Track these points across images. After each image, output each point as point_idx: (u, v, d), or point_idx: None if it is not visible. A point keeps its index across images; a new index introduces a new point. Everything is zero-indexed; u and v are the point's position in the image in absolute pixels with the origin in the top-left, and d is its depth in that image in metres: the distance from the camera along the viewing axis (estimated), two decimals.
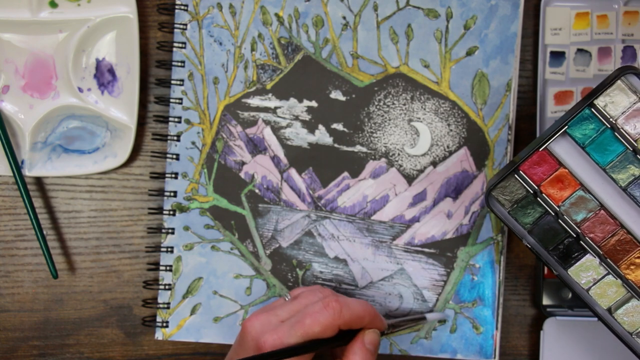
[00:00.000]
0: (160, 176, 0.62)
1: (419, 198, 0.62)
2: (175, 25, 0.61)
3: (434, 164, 0.62)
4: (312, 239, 0.62)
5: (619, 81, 0.52)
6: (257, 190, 0.62)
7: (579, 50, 0.62)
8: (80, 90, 0.61)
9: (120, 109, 0.61)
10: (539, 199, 0.54)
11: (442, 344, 0.62)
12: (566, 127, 0.53)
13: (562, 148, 0.54)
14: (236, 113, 0.62)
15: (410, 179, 0.62)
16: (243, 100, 0.62)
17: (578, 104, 0.53)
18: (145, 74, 0.62)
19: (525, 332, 0.64)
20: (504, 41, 0.61)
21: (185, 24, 0.61)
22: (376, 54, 0.61)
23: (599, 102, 0.52)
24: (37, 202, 0.63)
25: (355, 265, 0.62)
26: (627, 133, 0.52)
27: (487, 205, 0.55)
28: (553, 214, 0.54)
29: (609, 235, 0.54)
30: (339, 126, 0.62)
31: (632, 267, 0.54)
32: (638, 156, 0.52)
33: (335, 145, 0.62)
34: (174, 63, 0.61)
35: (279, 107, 0.62)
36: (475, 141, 0.61)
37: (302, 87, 0.62)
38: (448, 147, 0.62)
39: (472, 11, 0.61)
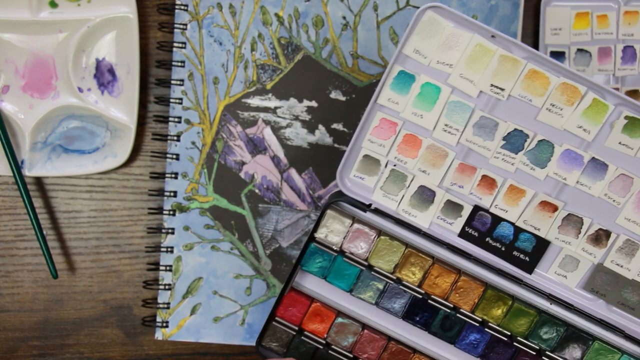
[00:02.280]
0: (160, 176, 0.62)
1: None
2: (175, 25, 0.61)
3: None
4: None
5: (329, 211, 0.54)
6: (257, 190, 0.62)
7: (579, 50, 0.62)
8: (80, 90, 0.61)
9: (120, 109, 0.61)
10: (304, 337, 0.56)
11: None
12: (300, 265, 0.55)
13: (308, 283, 0.57)
14: (236, 113, 0.62)
15: None
16: (243, 100, 0.62)
17: (305, 243, 0.55)
18: (145, 74, 0.62)
19: None
20: None
21: (185, 24, 0.61)
22: (376, 54, 0.61)
23: (320, 234, 0.55)
24: (37, 202, 0.63)
25: None
26: (355, 255, 0.55)
27: (261, 356, 0.57)
28: (324, 345, 0.56)
29: (382, 351, 0.56)
30: (339, 126, 0.62)
31: None
32: (373, 272, 0.55)
33: (335, 145, 0.62)
34: (174, 63, 0.61)
35: (279, 107, 0.62)
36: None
37: (302, 87, 0.62)
38: None
39: (472, 11, 0.61)
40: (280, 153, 0.62)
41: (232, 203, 0.62)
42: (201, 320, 0.62)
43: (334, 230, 0.54)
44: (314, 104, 0.62)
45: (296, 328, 0.57)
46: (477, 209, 0.54)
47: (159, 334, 0.62)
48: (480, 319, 0.55)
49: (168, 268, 0.62)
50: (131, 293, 0.63)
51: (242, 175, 0.62)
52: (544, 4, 0.61)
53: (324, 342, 0.57)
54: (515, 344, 0.55)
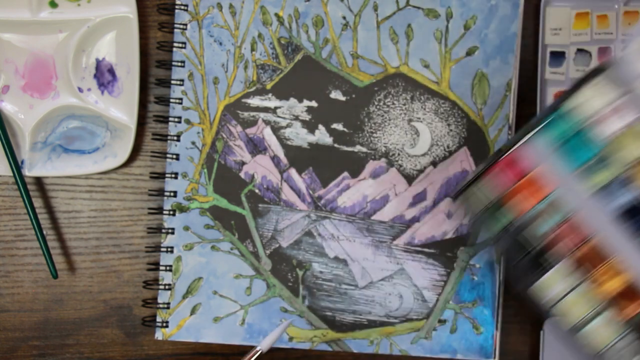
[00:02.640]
0: (160, 176, 0.62)
1: (419, 198, 0.62)
2: (175, 25, 0.61)
3: (434, 164, 0.62)
4: (312, 239, 0.62)
5: (594, 80, 0.49)
6: (257, 190, 0.62)
7: (579, 50, 0.62)
8: (80, 90, 0.61)
9: (120, 109, 0.61)
10: (507, 206, 0.52)
11: (442, 344, 0.62)
12: (538, 128, 0.50)
13: (533, 150, 0.51)
14: (236, 113, 0.62)
15: (410, 179, 0.62)
16: (243, 100, 0.62)
17: (551, 105, 0.50)
18: (145, 74, 0.62)
19: (525, 332, 0.64)
20: (504, 41, 0.61)
21: (185, 24, 0.61)
22: (376, 54, 0.61)
23: (574, 102, 0.49)
24: (37, 202, 0.63)
25: (355, 265, 0.62)
26: (602, 133, 0.50)
27: (456, 208, 0.53)
28: (522, 221, 0.52)
29: (580, 244, 0.51)
30: (339, 126, 0.62)
31: (602, 278, 0.51)
32: (612, 158, 0.49)
33: (335, 145, 0.62)
34: (174, 63, 0.61)
35: (279, 107, 0.62)
36: (475, 141, 0.61)
37: (302, 87, 0.62)
38: (448, 147, 0.62)
39: (472, 11, 0.61)
40: (280, 153, 0.62)
41: (232, 203, 0.62)
42: (201, 320, 0.62)
43: (590, 100, 0.49)
44: (314, 104, 0.62)
45: (502, 194, 0.51)
46: None
47: (159, 334, 0.62)
48: None
49: (168, 268, 0.62)
50: (131, 293, 0.63)
51: (242, 175, 0.62)
52: (544, 4, 0.61)
53: (524, 217, 0.51)
54: None
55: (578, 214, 0.51)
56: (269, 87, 0.62)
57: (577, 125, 0.49)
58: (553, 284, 0.52)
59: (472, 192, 0.52)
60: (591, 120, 0.49)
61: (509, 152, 0.50)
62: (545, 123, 0.49)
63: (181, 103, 0.62)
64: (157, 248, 0.62)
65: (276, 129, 0.62)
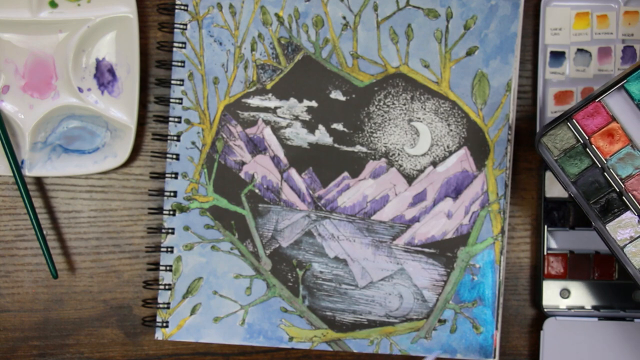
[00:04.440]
0: (160, 176, 0.62)
1: (419, 198, 0.62)
2: (175, 25, 0.61)
3: (434, 164, 0.62)
4: (312, 239, 0.62)
5: None
6: (257, 190, 0.62)
7: (579, 50, 0.62)
8: (80, 90, 0.61)
9: (120, 109, 0.61)
10: (588, 150, 0.54)
11: (442, 343, 0.62)
12: (624, 81, 0.52)
13: (617, 102, 0.54)
14: (236, 113, 0.62)
15: (410, 179, 0.62)
16: (243, 100, 0.62)
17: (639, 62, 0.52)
18: (145, 74, 0.62)
19: (525, 332, 0.64)
20: (504, 41, 0.61)
21: (185, 24, 0.61)
22: (376, 54, 0.61)
23: None
24: (37, 202, 0.63)
25: (355, 265, 0.62)
26: None
27: (537, 151, 0.54)
28: (600, 166, 0.54)
29: None
30: (339, 126, 0.62)
31: None
32: None
33: (335, 145, 0.62)
34: (174, 63, 0.61)
35: (279, 107, 0.62)
36: (475, 141, 0.61)
37: (302, 87, 0.62)
38: (448, 147, 0.62)
39: (472, 11, 0.61)
40: (280, 153, 0.62)
41: (232, 203, 0.62)
42: (201, 320, 0.62)
43: None
44: (314, 104, 0.62)
45: (586, 138, 0.54)
46: None
47: (159, 334, 0.62)
48: None
49: (168, 268, 0.62)
50: (131, 293, 0.63)
51: (242, 175, 0.62)
52: (544, 4, 0.61)
53: (604, 162, 0.54)
54: None
55: None
56: (269, 87, 0.62)
57: None
58: (625, 227, 0.54)
59: (560, 130, 0.54)
60: None
61: (597, 98, 0.52)
62: (633, 74, 0.51)
63: (181, 103, 0.62)
64: (157, 248, 0.62)
65: (276, 129, 0.62)
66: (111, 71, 0.61)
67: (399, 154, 0.62)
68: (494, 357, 0.62)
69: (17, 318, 0.63)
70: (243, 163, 0.62)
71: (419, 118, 0.62)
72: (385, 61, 0.61)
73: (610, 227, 0.54)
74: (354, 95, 0.62)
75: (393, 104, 0.62)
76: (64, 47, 0.60)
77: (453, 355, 0.62)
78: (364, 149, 0.62)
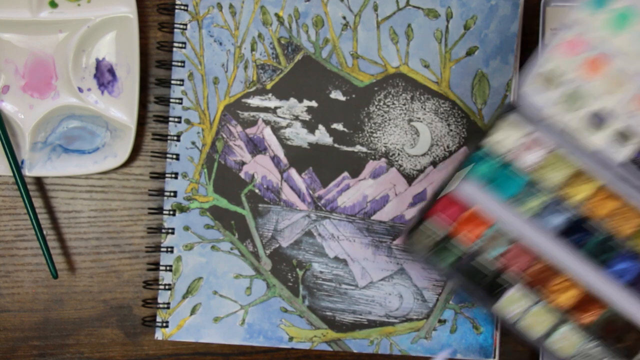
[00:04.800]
0: (160, 176, 0.62)
1: (419, 198, 0.62)
2: (175, 25, 0.61)
3: (434, 164, 0.62)
4: (312, 239, 0.62)
5: (504, 119, 0.54)
6: (257, 190, 0.62)
7: None
8: (80, 90, 0.61)
9: (120, 109, 0.61)
10: (453, 241, 0.56)
11: (442, 344, 0.62)
12: (466, 168, 0.55)
13: (468, 189, 0.56)
14: (236, 113, 0.62)
15: (410, 179, 0.62)
16: (243, 100, 0.62)
17: (474, 147, 0.55)
18: (145, 74, 0.62)
19: None
20: (504, 41, 0.61)
21: (185, 24, 0.61)
22: (376, 54, 0.61)
23: (491, 140, 0.55)
24: (37, 202, 0.63)
25: (355, 265, 0.62)
26: (523, 166, 0.55)
27: (407, 252, 0.57)
28: (470, 253, 0.56)
29: (529, 266, 0.55)
30: (339, 126, 0.62)
31: (556, 293, 0.55)
32: (538, 186, 0.54)
33: (335, 145, 0.62)
34: (174, 63, 0.61)
35: (279, 107, 0.62)
36: (475, 141, 0.61)
37: (302, 87, 0.62)
38: (448, 147, 0.62)
39: (472, 11, 0.61)
40: (280, 153, 0.62)
41: (232, 203, 0.62)
42: (201, 320, 0.62)
43: (504, 139, 0.54)
44: (314, 104, 0.62)
45: (447, 231, 0.56)
46: None
47: (159, 334, 0.62)
48: (636, 248, 0.54)
49: (168, 268, 0.62)
50: (131, 293, 0.63)
51: (242, 175, 0.62)
52: (543, 4, 0.61)
53: (471, 249, 0.56)
54: None
55: (521, 239, 0.56)
56: (269, 87, 0.62)
57: (499, 162, 0.54)
58: (512, 303, 0.56)
59: (421, 231, 0.56)
60: (510, 155, 0.54)
61: (447, 191, 0.55)
62: (471, 164, 0.55)
63: (181, 103, 0.62)
64: (157, 248, 0.62)
65: (276, 129, 0.62)
66: (111, 71, 0.61)
67: (399, 154, 0.62)
68: (494, 357, 0.62)
69: (17, 318, 0.63)
70: (243, 163, 0.62)
71: (419, 118, 0.62)
72: (385, 61, 0.61)
73: (500, 306, 0.56)
74: (354, 95, 0.62)
75: (393, 104, 0.62)
76: (64, 47, 0.60)
77: (453, 355, 0.62)
78: (364, 149, 0.62)
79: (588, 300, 0.55)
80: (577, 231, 0.55)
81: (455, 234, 0.56)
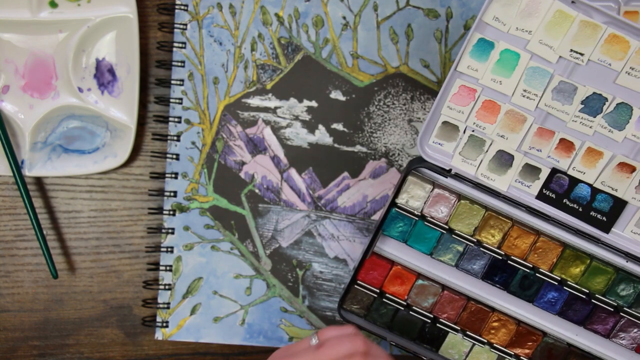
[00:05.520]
0: (160, 176, 0.62)
1: None
2: (175, 25, 0.61)
3: None
4: (312, 239, 0.62)
5: (410, 177, 0.56)
6: (257, 190, 0.62)
7: None
8: (80, 90, 0.61)
9: (120, 109, 0.61)
10: (385, 299, 0.58)
11: None
12: (382, 230, 0.57)
13: (389, 247, 0.59)
14: (236, 113, 0.62)
15: None
16: (243, 100, 0.62)
17: (386, 208, 0.57)
18: (145, 74, 0.62)
19: None
20: None
21: (185, 24, 0.61)
22: (376, 54, 0.61)
23: (400, 200, 0.56)
24: (37, 202, 0.63)
25: (355, 265, 0.62)
26: (436, 219, 0.57)
27: (343, 318, 0.58)
28: (404, 307, 0.58)
29: (461, 311, 0.58)
30: (339, 126, 0.62)
31: (492, 331, 0.58)
32: (454, 235, 0.56)
33: (335, 145, 0.62)
34: (174, 63, 0.61)
35: (279, 107, 0.62)
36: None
37: (302, 87, 0.62)
38: None
39: (472, 11, 0.61)
40: (280, 153, 0.62)
41: (232, 203, 0.62)
42: (201, 320, 0.62)
43: (414, 195, 0.56)
44: (314, 104, 0.62)
45: (377, 291, 0.58)
46: (554, 171, 0.55)
47: (159, 334, 0.62)
48: (559, 278, 0.56)
49: (168, 268, 0.62)
50: (131, 293, 0.63)
51: (242, 175, 0.62)
52: None
53: (404, 303, 0.58)
54: (593, 301, 0.56)
55: (448, 286, 0.58)
56: (269, 87, 0.62)
57: (411, 220, 0.56)
58: (454, 347, 0.58)
59: (355, 293, 0.58)
60: (419, 213, 0.57)
61: (368, 254, 0.57)
62: (385, 221, 0.57)
63: (181, 103, 0.62)
64: (157, 248, 0.62)
65: (276, 129, 0.62)
66: (111, 71, 0.61)
67: (399, 154, 0.62)
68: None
69: (17, 318, 0.63)
70: (243, 163, 0.62)
71: (419, 118, 0.62)
72: (385, 61, 0.61)
73: (442, 352, 0.59)
74: (354, 95, 0.62)
75: (393, 104, 0.62)
76: (64, 47, 0.60)
77: None
78: (364, 149, 0.62)
79: (524, 334, 0.58)
80: (500, 271, 0.57)
81: (386, 292, 0.58)
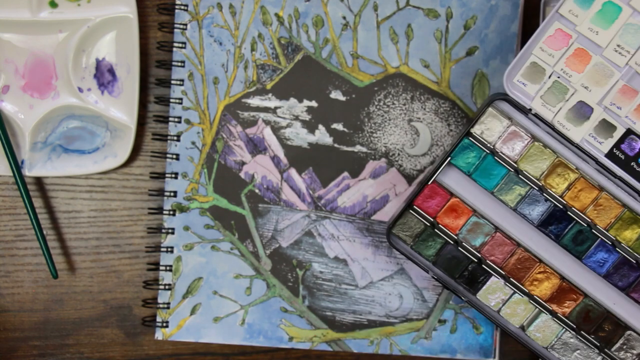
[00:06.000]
0: (160, 176, 0.62)
1: None
2: (175, 25, 0.61)
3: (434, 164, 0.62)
4: (312, 239, 0.62)
5: (490, 109, 0.56)
6: (257, 190, 0.62)
7: None
8: (80, 90, 0.61)
9: (120, 109, 0.61)
10: (437, 230, 0.57)
11: (442, 344, 0.62)
12: (450, 158, 0.56)
13: (450, 179, 0.58)
14: (236, 113, 0.62)
15: (410, 179, 0.62)
16: (243, 100, 0.62)
17: (458, 136, 0.57)
18: (145, 74, 0.62)
19: None
20: (504, 41, 0.61)
21: (185, 24, 0.61)
22: (376, 54, 0.61)
23: (476, 130, 0.56)
24: (37, 202, 0.63)
25: (355, 265, 0.62)
26: (506, 156, 0.56)
27: (390, 244, 0.57)
28: (453, 242, 0.57)
29: (509, 256, 0.57)
30: (339, 126, 0.62)
31: (535, 282, 0.57)
32: (520, 176, 0.56)
33: (335, 145, 0.62)
34: (174, 63, 0.61)
35: (279, 107, 0.62)
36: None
37: (302, 87, 0.62)
38: (448, 147, 0.62)
39: (472, 11, 0.61)
40: (280, 153, 0.62)
41: (232, 203, 0.62)
42: (201, 320, 0.62)
43: (490, 128, 0.56)
44: (314, 104, 0.62)
45: (432, 220, 0.57)
46: (629, 132, 0.55)
47: (159, 334, 0.62)
48: (613, 238, 0.56)
49: (168, 268, 0.62)
50: (131, 293, 0.63)
51: (242, 175, 0.62)
52: (543, 4, 0.61)
53: (454, 238, 0.58)
54: None
55: (501, 229, 0.57)
56: (269, 87, 0.62)
57: (482, 152, 0.56)
58: (493, 293, 0.57)
59: (406, 219, 0.57)
60: (493, 146, 0.56)
61: (430, 180, 0.56)
62: (455, 150, 0.56)
63: (181, 103, 0.62)
64: (157, 248, 0.62)
65: (276, 129, 0.62)
66: (111, 71, 0.61)
67: (399, 154, 0.62)
68: (494, 357, 0.62)
69: (17, 318, 0.63)
70: (243, 163, 0.62)
71: (419, 118, 0.62)
72: (385, 61, 0.61)
73: (480, 296, 0.58)
74: (354, 95, 0.62)
75: (393, 104, 0.62)
76: (64, 47, 0.60)
77: (453, 355, 0.62)
78: (364, 149, 0.62)
79: (565, 291, 0.57)
80: (556, 222, 0.57)
81: (439, 223, 0.57)
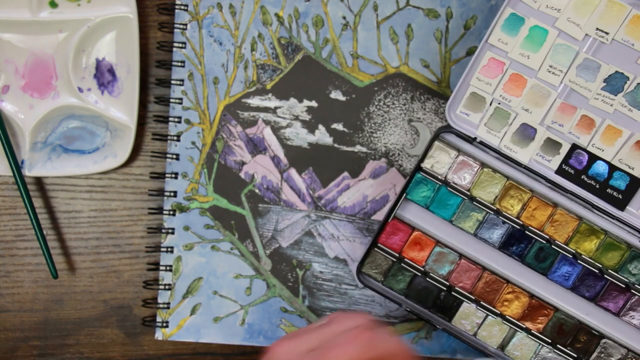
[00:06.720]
0: (160, 176, 0.62)
1: None
2: (175, 25, 0.61)
3: None
4: (312, 239, 0.62)
5: (437, 142, 0.58)
6: (257, 190, 0.62)
7: None
8: (80, 90, 0.61)
9: (120, 109, 0.61)
10: (403, 264, 0.59)
11: (442, 344, 0.62)
12: (406, 194, 0.58)
13: (410, 213, 0.59)
14: (236, 113, 0.62)
15: None
16: (243, 100, 0.62)
17: (411, 173, 0.58)
18: (145, 74, 0.62)
19: None
20: None
21: (185, 24, 0.61)
22: (376, 54, 0.61)
23: (426, 164, 0.58)
24: (37, 202, 0.63)
25: (355, 265, 0.62)
26: (458, 185, 0.58)
27: (362, 283, 0.59)
28: (421, 274, 0.59)
29: (476, 280, 0.59)
30: (339, 126, 0.62)
31: (505, 303, 0.59)
32: (475, 202, 0.58)
33: (335, 145, 0.62)
34: (174, 63, 0.61)
35: (279, 107, 0.62)
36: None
37: (302, 87, 0.62)
38: None
39: (472, 11, 0.61)
40: (280, 153, 0.62)
41: (232, 203, 0.62)
42: (201, 320, 0.62)
43: (440, 161, 0.57)
44: (314, 104, 0.62)
45: (396, 255, 0.59)
46: (574, 147, 0.57)
47: (159, 334, 0.62)
48: (574, 251, 0.57)
49: (168, 268, 0.62)
50: (131, 293, 0.63)
51: (242, 175, 0.62)
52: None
53: (422, 270, 0.59)
54: (606, 276, 0.57)
55: (466, 255, 0.59)
56: (269, 87, 0.62)
57: (435, 185, 0.58)
58: (467, 317, 0.59)
59: (373, 257, 0.59)
60: (443, 178, 0.58)
61: (390, 218, 0.58)
62: (410, 186, 0.58)
63: (181, 103, 0.62)
64: (157, 248, 0.62)
65: (276, 129, 0.62)
66: (111, 71, 0.61)
67: (399, 154, 0.62)
68: (494, 357, 0.62)
69: (17, 318, 0.63)
70: (243, 163, 0.62)
71: (419, 118, 0.62)
72: (385, 61, 0.61)
73: (455, 322, 0.59)
74: (354, 95, 0.62)
75: (393, 104, 0.62)
76: (64, 47, 0.60)
77: (453, 355, 0.62)
78: (364, 149, 0.62)
79: (536, 308, 0.59)
80: (517, 242, 0.58)
81: (405, 258, 0.59)
